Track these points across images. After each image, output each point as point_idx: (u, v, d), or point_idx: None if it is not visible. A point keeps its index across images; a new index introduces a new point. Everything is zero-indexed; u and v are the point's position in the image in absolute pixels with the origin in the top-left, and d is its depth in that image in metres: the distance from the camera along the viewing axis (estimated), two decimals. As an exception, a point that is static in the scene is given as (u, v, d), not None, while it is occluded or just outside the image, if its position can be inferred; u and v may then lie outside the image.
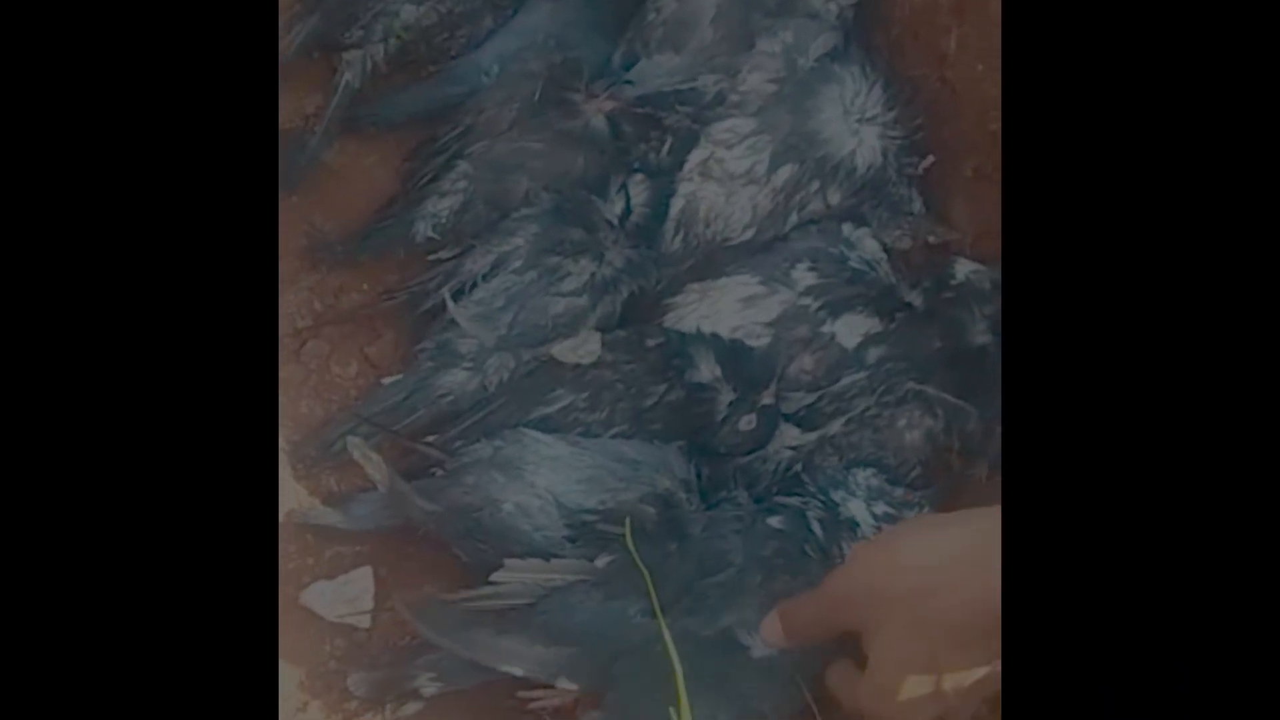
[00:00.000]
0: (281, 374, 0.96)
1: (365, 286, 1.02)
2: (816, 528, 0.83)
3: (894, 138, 0.96)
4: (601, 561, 0.81)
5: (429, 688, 0.80)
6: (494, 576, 0.81)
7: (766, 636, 0.74)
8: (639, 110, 1.02)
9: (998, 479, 0.87)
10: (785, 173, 0.97)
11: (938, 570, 0.62)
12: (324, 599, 0.86)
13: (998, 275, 0.92)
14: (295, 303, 0.99)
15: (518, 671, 0.79)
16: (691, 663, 0.74)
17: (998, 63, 0.90)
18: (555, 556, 0.82)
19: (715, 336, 0.94)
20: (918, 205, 0.98)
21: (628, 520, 0.73)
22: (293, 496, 0.91)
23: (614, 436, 0.92)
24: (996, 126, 0.95)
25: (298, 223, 1.01)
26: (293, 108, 1.04)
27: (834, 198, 0.98)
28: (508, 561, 0.81)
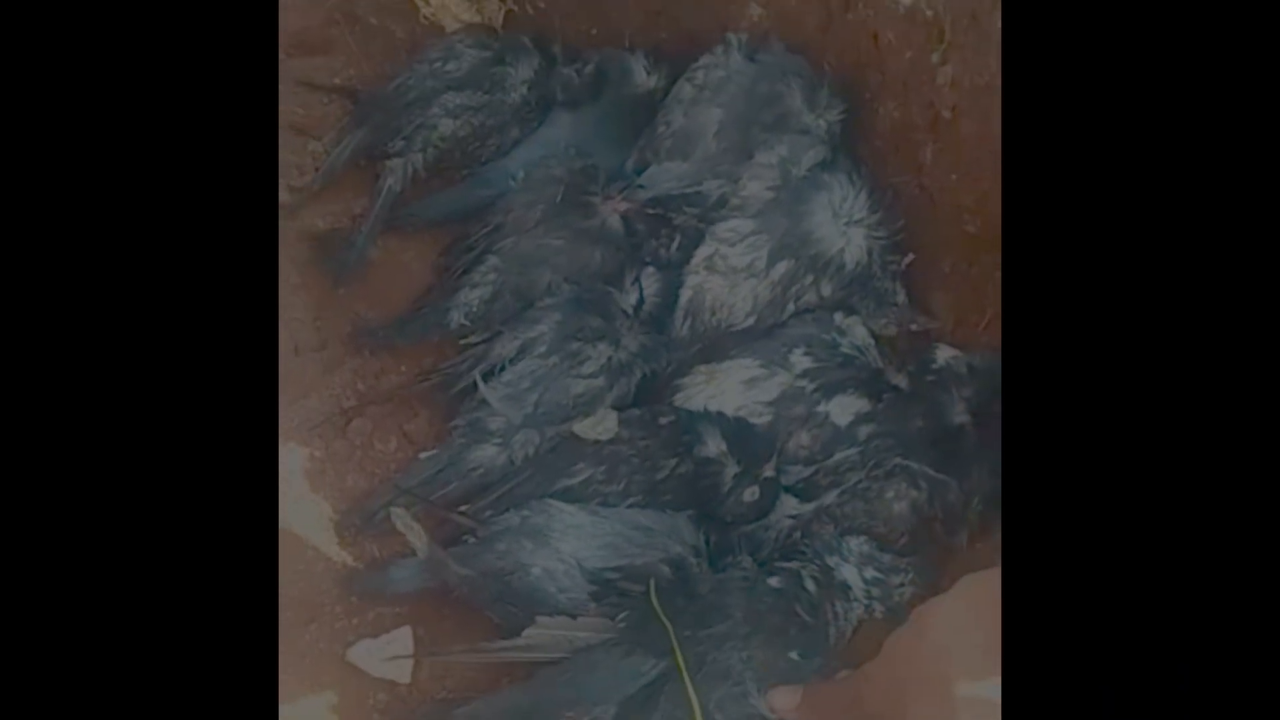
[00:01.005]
0: (330, 449, 1.05)
1: (403, 369, 1.11)
2: (811, 586, 0.92)
3: (878, 237, 1.07)
4: (621, 619, 0.89)
5: (465, 737, 0.88)
6: (526, 632, 0.89)
7: (775, 706, 0.78)
8: (650, 211, 1.13)
9: (978, 546, 0.96)
10: (782, 267, 1.07)
11: (957, 647, 0.61)
12: (368, 656, 0.94)
13: (975, 360, 1.01)
14: (341, 384, 1.09)
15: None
16: (679, 691, 0.81)
17: (969, 172, 1.03)
18: (580, 615, 0.90)
19: (721, 415, 1.03)
20: (901, 297, 1.08)
21: (651, 581, 0.81)
22: (339, 561, 1.00)
23: (630, 506, 1.01)
24: (971, 228, 1.05)
25: (344, 312, 1.12)
26: (341, 209, 1.16)
27: (826, 290, 1.08)
28: (539, 619, 0.90)
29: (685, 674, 0.68)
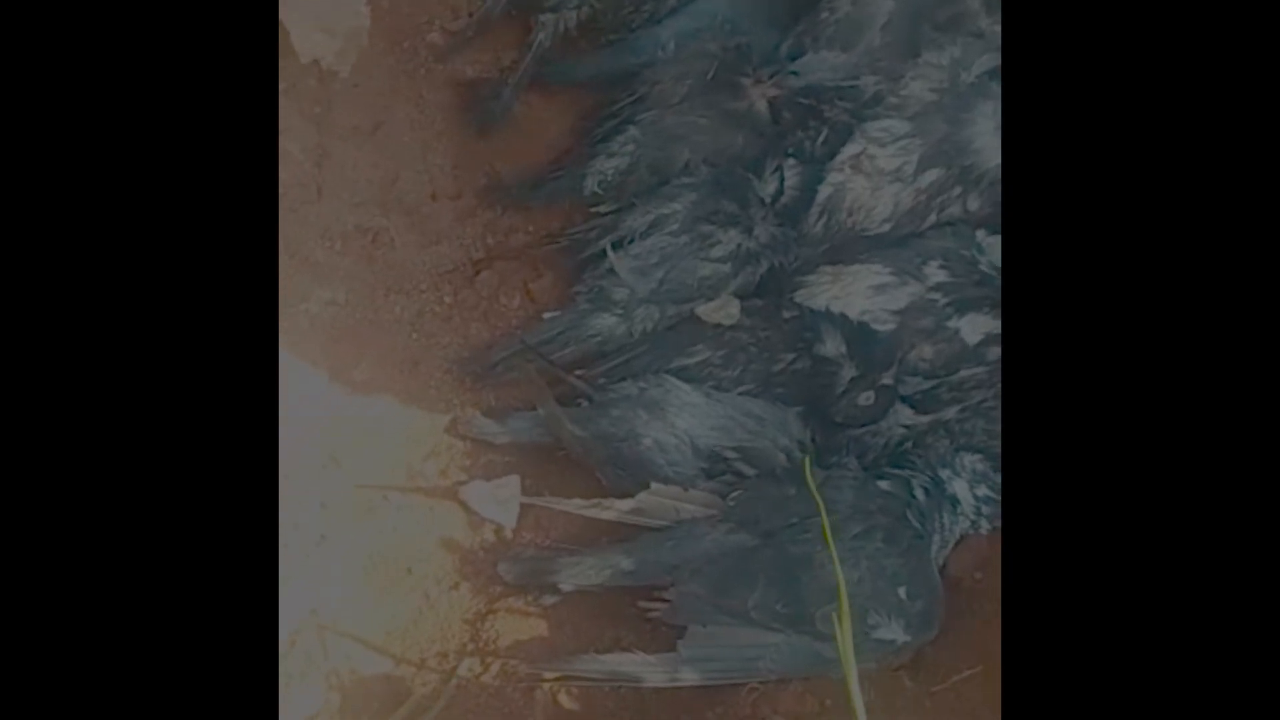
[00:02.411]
0: (457, 298, 1.07)
1: (532, 228, 1.12)
2: (920, 495, 0.92)
3: (1039, 157, 1.03)
4: (731, 498, 0.92)
5: (567, 584, 0.91)
6: (640, 495, 0.92)
7: None
8: (801, 100, 1.09)
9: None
10: (931, 175, 1.04)
11: None
12: (479, 496, 0.98)
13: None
14: (471, 235, 1.10)
15: (642, 582, 0.90)
16: (779, 573, 0.84)
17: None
18: (692, 488, 0.92)
19: (844, 317, 1.03)
20: (1051, 222, 1.05)
21: (807, 460, 0.82)
22: (456, 406, 1.03)
23: (742, 393, 1.02)
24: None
25: (482, 164, 1.12)
26: (490, 59, 1.14)
27: (973, 204, 1.05)
28: (654, 485, 0.92)
29: (833, 547, 0.69)
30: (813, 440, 1.00)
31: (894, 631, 0.86)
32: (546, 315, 1.07)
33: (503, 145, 1.13)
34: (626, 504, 0.93)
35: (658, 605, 0.89)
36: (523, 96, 1.14)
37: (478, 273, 1.09)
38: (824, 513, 0.68)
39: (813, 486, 0.72)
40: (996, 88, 1.03)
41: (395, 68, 1.10)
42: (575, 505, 0.95)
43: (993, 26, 1.06)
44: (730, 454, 0.95)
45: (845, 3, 1.11)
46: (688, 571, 0.89)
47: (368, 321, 1.03)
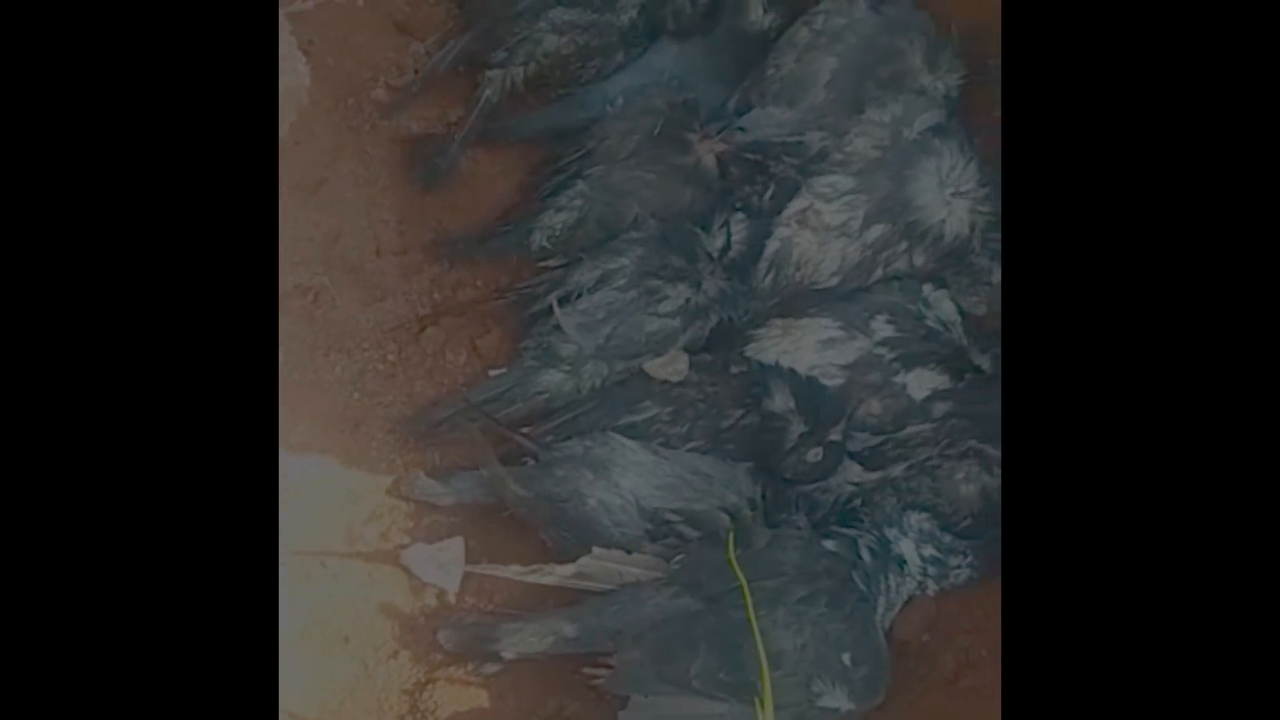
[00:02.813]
0: (401, 356, 1.06)
1: (480, 284, 1.11)
2: (866, 555, 0.91)
3: (983, 212, 1.04)
4: (675, 561, 0.90)
5: (509, 651, 0.89)
6: (582, 560, 0.90)
7: None
8: (748, 155, 1.10)
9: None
10: (877, 231, 1.04)
11: None
12: (421, 560, 0.96)
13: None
14: (417, 291, 1.09)
15: (585, 649, 0.89)
16: (721, 641, 0.83)
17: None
18: (636, 551, 0.91)
19: (793, 372, 1.02)
20: (997, 276, 1.05)
21: (731, 534, 0.81)
22: (399, 466, 1.01)
23: (690, 450, 1.01)
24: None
25: (428, 219, 1.11)
26: (437, 115, 1.14)
27: (919, 259, 1.05)
28: (596, 549, 0.91)
29: (756, 629, 0.68)
30: (763, 497, 0.99)
31: (838, 699, 0.84)
32: (493, 372, 1.05)
33: (449, 200, 1.13)
34: (569, 569, 0.92)
35: (600, 673, 0.88)
36: (469, 152, 1.13)
37: (423, 329, 1.07)
38: (747, 590, 0.66)
39: (733, 561, 0.71)
40: (939, 144, 1.04)
41: (339, 124, 1.10)
42: (515, 571, 0.93)
43: (934, 83, 1.07)
44: (673, 516, 0.93)
45: (790, 59, 1.12)
46: (631, 638, 0.87)
47: (307, 382, 1.01)
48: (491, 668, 0.92)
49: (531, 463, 1.00)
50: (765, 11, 1.14)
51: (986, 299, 1.05)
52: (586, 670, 0.89)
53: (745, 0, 1.14)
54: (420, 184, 1.11)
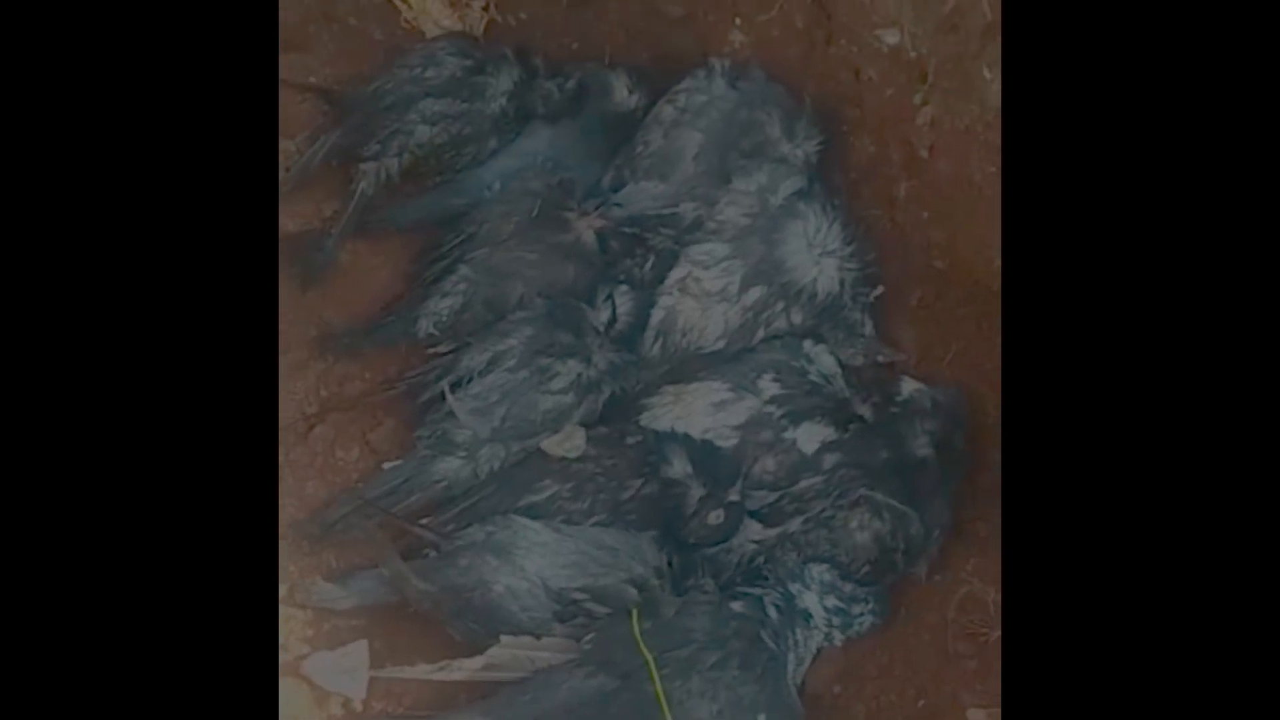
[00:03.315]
0: (289, 456, 1.03)
1: (368, 376, 1.09)
2: (773, 613, 0.92)
3: (850, 269, 1.09)
4: (586, 641, 0.89)
5: (421, 757, 0.86)
6: (490, 651, 0.89)
7: None
8: (626, 229, 1.14)
9: (936, 578, 0.98)
10: (755, 293, 1.08)
11: None
12: (323, 668, 0.92)
13: (938, 395, 1.04)
14: (303, 390, 1.07)
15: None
16: (638, 713, 0.82)
17: (941, 210, 1.05)
18: (546, 635, 0.90)
19: (688, 436, 1.04)
20: (869, 328, 1.11)
21: (634, 611, 0.81)
22: (294, 573, 0.98)
23: (594, 524, 1.01)
24: (941, 263, 1.08)
25: (310, 316, 1.10)
26: (312, 211, 1.13)
27: (796, 318, 1.10)
28: (503, 638, 0.89)
29: (665, 705, 0.68)
30: (669, 564, 0.99)
31: (758, 762, 0.84)
32: (387, 465, 1.04)
33: (331, 295, 1.12)
34: (477, 662, 0.90)
35: (519, 767, 0.86)
36: (348, 244, 1.13)
37: (311, 428, 1.05)
38: (653, 667, 0.66)
39: (638, 637, 0.71)
40: (804, 208, 1.09)
41: (211, 226, 1.08)
42: (423, 671, 0.90)
43: (795, 151, 1.13)
44: (579, 595, 0.93)
45: (658, 136, 1.17)
46: (546, 726, 0.85)
47: (190, 494, 0.97)
48: (404, 775, 0.88)
49: (433, 554, 0.98)
50: (630, 92, 1.19)
51: (862, 350, 1.10)
52: (503, 767, 0.87)
53: (610, 83, 1.20)
54: (299, 280, 1.10)
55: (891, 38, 1.00)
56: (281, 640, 0.94)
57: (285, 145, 1.14)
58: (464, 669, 0.90)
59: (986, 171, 0.95)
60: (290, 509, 1.00)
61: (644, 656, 0.72)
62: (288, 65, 1.18)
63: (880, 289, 1.10)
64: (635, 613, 0.78)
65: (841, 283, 1.09)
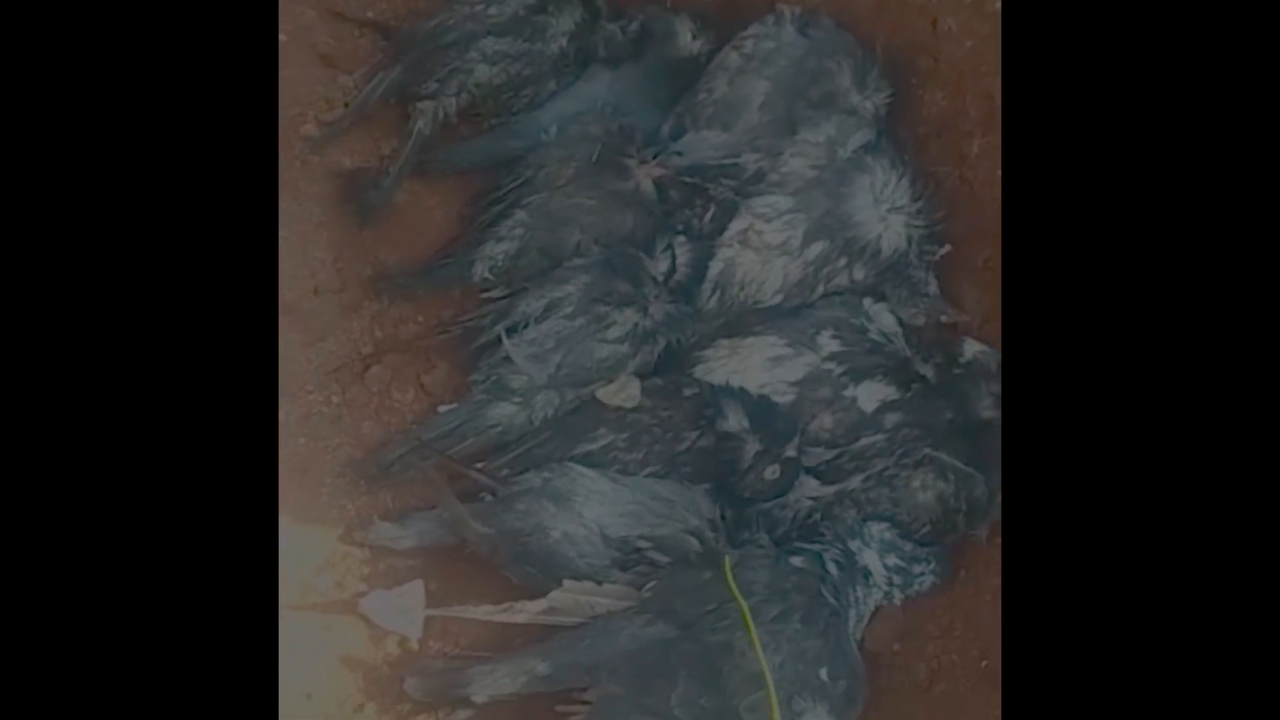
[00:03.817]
0: (346, 395, 1.03)
1: (422, 319, 1.09)
2: (833, 569, 0.92)
3: (917, 226, 1.07)
4: (647, 589, 0.89)
5: (480, 695, 0.87)
6: (551, 595, 0.89)
7: None
8: (686, 179, 1.11)
9: (997, 541, 0.97)
10: (817, 248, 1.06)
11: None
12: (380, 607, 0.93)
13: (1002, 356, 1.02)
14: (359, 329, 1.06)
15: (559, 686, 0.87)
16: (700, 666, 0.83)
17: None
18: (606, 582, 0.90)
19: (744, 391, 1.03)
20: (933, 288, 1.08)
21: (726, 559, 0.81)
22: (351, 511, 0.98)
23: (648, 475, 1.00)
24: (1008, 224, 1.06)
25: (366, 255, 1.09)
26: (370, 149, 1.12)
27: (859, 274, 1.08)
28: (566, 582, 0.89)
29: (760, 651, 0.68)
30: (723, 518, 0.99)
31: (819, 715, 0.84)
32: (442, 408, 1.03)
33: (386, 235, 1.11)
34: (538, 605, 0.90)
35: (577, 709, 0.86)
36: (405, 185, 1.12)
37: (367, 368, 1.04)
38: (747, 612, 0.66)
39: (733, 584, 0.71)
40: (872, 162, 1.07)
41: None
42: (484, 612, 0.91)
43: (864, 103, 1.10)
44: (643, 543, 0.93)
45: (722, 83, 1.14)
46: (606, 671, 0.85)
47: (250, 430, 0.97)
48: (463, 713, 0.89)
49: (490, 498, 0.98)
50: (694, 38, 1.16)
51: (925, 310, 1.08)
52: (561, 709, 0.87)
53: (674, 27, 1.16)
54: (356, 219, 1.09)
55: (977, -13, 0.97)
56: (338, 578, 0.95)
57: (343, 80, 1.12)
58: (526, 611, 0.90)
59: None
60: (347, 448, 1.00)
61: (738, 602, 0.71)
62: (345, -1, 1.15)
63: (947, 248, 1.08)
64: (727, 560, 0.78)
65: (908, 240, 1.07)
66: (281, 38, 1.09)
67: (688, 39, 1.17)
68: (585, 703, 0.86)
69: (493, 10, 1.14)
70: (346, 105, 1.11)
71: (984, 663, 0.87)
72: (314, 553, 0.95)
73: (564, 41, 1.16)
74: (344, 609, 0.93)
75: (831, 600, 0.89)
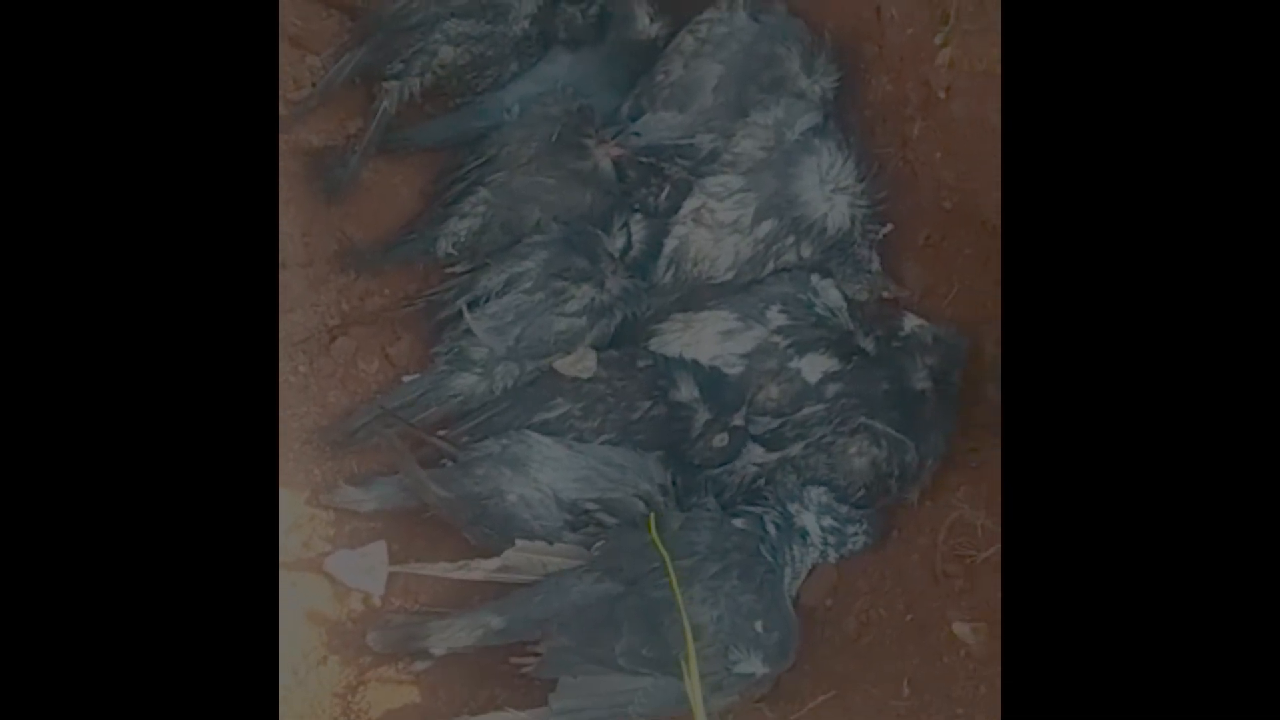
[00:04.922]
0: (313, 365, 1.07)
1: (387, 292, 1.13)
2: (772, 530, 0.98)
3: (861, 206, 1.11)
4: (595, 549, 0.95)
5: (438, 648, 0.92)
6: (506, 554, 0.94)
7: None
8: (643, 159, 1.15)
9: (926, 504, 1.03)
10: (766, 226, 1.11)
11: None
12: (345, 566, 0.98)
13: (939, 330, 1.07)
14: (326, 303, 1.10)
15: (513, 639, 0.92)
16: (643, 619, 0.88)
17: (954, 151, 1.07)
18: (557, 542, 0.95)
19: (696, 362, 1.08)
20: (876, 265, 1.13)
21: (652, 516, 0.86)
22: (317, 476, 1.03)
23: (603, 443, 1.05)
24: (949, 204, 1.10)
25: (333, 230, 1.12)
26: (336, 128, 1.15)
27: (806, 251, 1.12)
28: (519, 542, 0.94)
29: (679, 599, 0.73)
30: (674, 483, 1.04)
31: (753, 665, 0.90)
32: (406, 378, 1.08)
33: (353, 211, 1.14)
34: (493, 563, 0.95)
35: (529, 660, 0.91)
36: (371, 162, 1.15)
37: (334, 339, 1.09)
38: (670, 567, 0.71)
39: (657, 540, 0.76)
40: (819, 143, 1.11)
41: (238, 139, 1.10)
42: (442, 569, 0.96)
43: (812, 87, 1.14)
44: (591, 505, 0.98)
45: (678, 66, 1.17)
46: (556, 624, 0.91)
47: (219, 398, 1.01)
48: (422, 665, 0.94)
49: (450, 464, 1.03)
50: (652, 21, 1.20)
51: (868, 285, 1.13)
52: (514, 660, 0.92)
53: (633, 10, 1.20)
54: (323, 195, 1.12)
55: (916, -24, 1.01)
56: (305, 539, 1.00)
57: (310, 61, 1.15)
58: (481, 569, 0.95)
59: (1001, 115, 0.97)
60: (314, 416, 1.05)
61: (661, 555, 0.76)
62: (312, -20, 1.18)
63: (889, 227, 1.13)
64: (653, 518, 0.83)
65: (852, 219, 1.11)
66: (250, 18, 1.12)
67: (646, 23, 1.20)
68: (536, 654, 0.91)
69: (456, -8, 1.17)
70: (314, 85, 1.14)
71: (909, 616, 0.93)
72: (282, 515, 0.99)
73: (526, 24, 1.19)
74: (310, 567, 0.98)
75: (769, 558, 0.95)
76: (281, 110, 1.13)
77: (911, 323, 1.09)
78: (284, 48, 1.14)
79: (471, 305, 1.08)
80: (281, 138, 1.12)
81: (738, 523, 0.98)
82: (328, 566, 0.98)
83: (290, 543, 0.99)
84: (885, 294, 1.13)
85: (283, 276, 1.09)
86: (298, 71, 1.14)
